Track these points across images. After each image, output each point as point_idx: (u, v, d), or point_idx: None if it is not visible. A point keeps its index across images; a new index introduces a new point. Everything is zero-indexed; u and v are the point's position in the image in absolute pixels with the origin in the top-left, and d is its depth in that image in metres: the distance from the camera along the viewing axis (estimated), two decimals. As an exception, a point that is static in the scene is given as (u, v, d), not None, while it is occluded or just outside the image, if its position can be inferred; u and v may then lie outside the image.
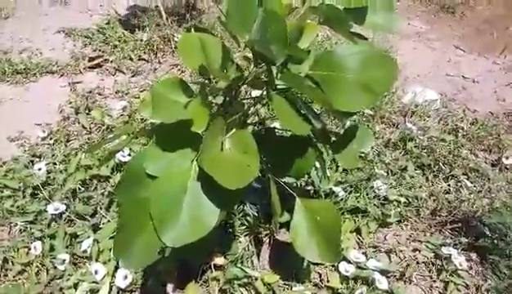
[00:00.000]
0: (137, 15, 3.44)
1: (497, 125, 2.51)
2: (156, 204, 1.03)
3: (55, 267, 1.63)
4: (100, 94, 2.74)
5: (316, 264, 1.68)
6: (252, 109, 1.38)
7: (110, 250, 1.67)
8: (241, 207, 1.77)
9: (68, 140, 2.32)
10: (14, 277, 1.65)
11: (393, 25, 1.19)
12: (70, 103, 2.62)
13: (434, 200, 1.98)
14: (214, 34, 1.16)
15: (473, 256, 1.78)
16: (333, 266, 1.68)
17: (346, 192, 1.92)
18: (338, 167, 2.05)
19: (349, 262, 1.65)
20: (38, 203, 1.86)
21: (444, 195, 2.00)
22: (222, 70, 1.10)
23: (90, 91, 2.73)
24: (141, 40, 3.19)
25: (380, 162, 2.15)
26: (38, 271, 1.65)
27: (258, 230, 1.76)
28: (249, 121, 1.38)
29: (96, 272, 1.58)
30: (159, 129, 1.11)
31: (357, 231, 1.85)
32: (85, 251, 1.68)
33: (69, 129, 2.41)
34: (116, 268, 1.60)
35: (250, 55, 1.15)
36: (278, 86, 1.14)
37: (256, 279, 1.61)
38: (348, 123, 2.17)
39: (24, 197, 1.90)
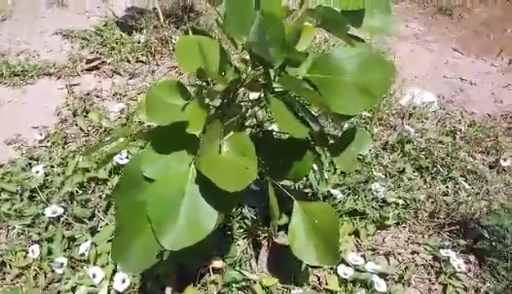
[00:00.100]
0: (135, 17, 3.43)
1: (495, 127, 2.52)
2: (154, 207, 1.03)
3: (53, 270, 1.62)
4: (97, 96, 2.73)
5: (315, 267, 1.68)
6: (250, 111, 1.38)
7: (108, 253, 1.67)
8: (239, 209, 1.77)
9: (65, 143, 2.31)
10: (12, 280, 1.64)
11: (390, 28, 1.19)
12: (68, 105, 2.61)
13: (432, 202, 1.98)
14: (212, 36, 1.16)
15: (472, 258, 1.78)
16: (331, 269, 1.68)
17: (344, 194, 1.92)
18: (336, 169, 2.05)
19: (348, 265, 1.65)
20: (35, 206, 1.86)
21: (442, 197, 2.00)
22: (219, 73, 1.10)
23: (87, 94, 2.72)
24: (139, 42, 3.18)
25: (378, 165, 2.15)
26: (35, 275, 1.64)
27: (256, 233, 1.76)
28: (246, 123, 1.38)
29: (94, 275, 1.58)
30: (156, 132, 1.11)
31: (356, 234, 1.85)
32: (83, 255, 1.67)
33: (66, 131, 2.40)
34: (114, 271, 1.60)
35: (248, 57, 1.15)
36: (276, 89, 1.14)
37: (254, 282, 1.61)
38: (345, 126, 2.18)
39: (21, 200, 1.89)
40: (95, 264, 1.65)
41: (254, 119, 1.65)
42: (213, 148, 1.04)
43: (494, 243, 1.74)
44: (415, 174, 2.15)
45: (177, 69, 3.02)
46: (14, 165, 2.10)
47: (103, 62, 3.04)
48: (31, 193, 1.92)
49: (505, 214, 1.83)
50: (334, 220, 1.27)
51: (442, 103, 2.75)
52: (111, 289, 1.57)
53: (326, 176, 1.97)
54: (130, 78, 2.93)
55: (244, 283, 1.61)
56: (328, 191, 1.91)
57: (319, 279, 1.67)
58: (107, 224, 1.80)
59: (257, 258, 1.71)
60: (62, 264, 1.62)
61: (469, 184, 2.10)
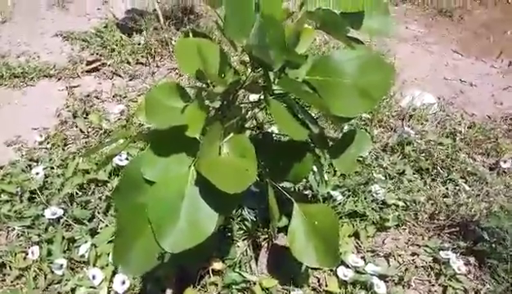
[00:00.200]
0: (135, 19, 3.43)
1: (495, 129, 2.52)
2: (154, 210, 1.03)
3: (52, 272, 1.62)
4: (97, 98, 2.73)
5: (315, 268, 1.68)
6: (250, 113, 1.38)
7: (108, 255, 1.67)
8: (239, 211, 1.77)
9: (65, 144, 2.32)
10: (12, 282, 1.64)
11: (389, 29, 1.19)
12: (68, 107, 2.61)
13: (432, 204, 1.98)
14: (212, 38, 1.16)
15: (472, 260, 1.78)
16: (331, 271, 1.68)
17: (344, 196, 1.92)
18: (336, 171, 2.05)
19: (347, 267, 1.65)
20: (35, 208, 1.86)
21: (442, 199, 2.00)
22: (219, 75, 1.10)
23: (88, 95, 2.72)
24: (139, 44, 3.18)
25: (378, 166, 2.15)
26: (35, 276, 1.64)
27: (256, 235, 1.76)
28: (246, 125, 1.38)
29: (93, 277, 1.58)
30: (155, 134, 1.11)
31: (356, 235, 1.85)
32: (83, 256, 1.67)
33: (66, 133, 2.41)
34: (114, 273, 1.60)
35: (248, 59, 1.15)
36: (276, 91, 1.14)
37: (254, 284, 1.61)
38: (345, 127, 2.18)
39: (21, 201, 1.89)
40: (95, 265, 1.65)
41: (254, 121, 1.65)
42: (212, 150, 1.04)
43: (494, 245, 1.74)
44: (415, 176, 2.15)
45: (177, 71, 3.02)
46: (14, 166, 2.11)
47: (103, 64, 3.04)
48: (31, 194, 1.92)
49: (505, 216, 1.83)
50: (334, 222, 1.27)
51: (442, 104, 2.75)
52: (111, 290, 1.57)
53: (326, 178, 1.97)
54: (130, 80, 2.93)
55: (243, 285, 1.61)
56: (328, 193, 1.91)
57: (319, 281, 1.67)
58: (107, 225, 1.80)
59: (257, 260, 1.71)
60: (62, 265, 1.62)
61: (469, 186, 2.10)
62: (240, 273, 1.63)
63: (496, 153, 2.36)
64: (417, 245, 1.83)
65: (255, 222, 1.75)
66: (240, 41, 1.03)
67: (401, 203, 1.94)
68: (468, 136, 2.43)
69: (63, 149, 2.26)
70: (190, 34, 1.18)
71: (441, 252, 1.71)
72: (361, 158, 2.15)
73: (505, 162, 2.22)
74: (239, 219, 1.77)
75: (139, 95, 2.74)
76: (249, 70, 1.15)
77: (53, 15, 3.77)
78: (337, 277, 1.63)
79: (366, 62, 1.10)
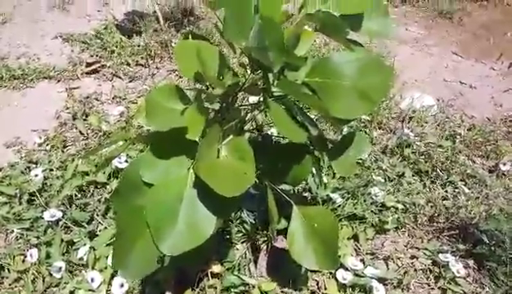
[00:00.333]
0: (135, 21, 3.44)
1: (494, 131, 2.52)
2: (152, 212, 1.02)
3: (51, 275, 1.62)
4: (97, 99, 2.73)
5: (314, 271, 1.67)
6: (249, 115, 1.38)
7: (107, 257, 1.67)
8: (238, 214, 1.77)
9: (65, 146, 2.32)
10: (10, 285, 1.64)
11: (388, 31, 1.19)
12: (67, 108, 2.61)
13: (432, 206, 1.98)
14: (212, 40, 1.16)
15: (471, 263, 1.77)
16: (330, 274, 1.67)
17: (343, 198, 1.92)
18: (335, 173, 2.04)
19: (347, 269, 1.65)
20: (34, 210, 1.86)
21: (441, 202, 2.00)
22: (218, 77, 1.10)
23: (87, 97, 2.72)
24: (139, 45, 3.19)
25: (378, 169, 2.15)
26: (34, 279, 1.64)
27: (255, 237, 1.75)
28: (246, 127, 1.38)
29: (92, 280, 1.57)
30: (154, 136, 1.10)
31: (355, 238, 1.85)
32: (81, 259, 1.67)
33: (65, 135, 2.40)
34: (113, 276, 1.60)
35: (247, 61, 1.15)
36: (275, 93, 1.14)
37: (253, 287, 1.60)
38: (345, 130, 2.18)
39: (20, 203, 1.89)
40: (93, 268, 1.65)
41: (254, 123, 1.65)
42: (211, 152, 1.03)
43: (493, 248, 1.74)
44: (415, 178, 2.14)
45: (176, 73, 3.02)
46: (13, 168, 2.11)
47: (103, 65, 3.04)
48: (30, 196, 1.92)
49: (505, 219, 1.83)
50: (334, 225, 1.26)
51: (441, 106, 2.75)
52: (110, 293, 1.57)
53: (325, 180, 1.97)
54: (130, 82, 2.93)
55: (242, 288, 1.60)
56: (327, 195, 1.91)
57: (318, 284, 1.67)
58: (106, 228, 1.80)
59: (256, 262, 1.71)
60: (60, 268, 1.62)
61: (469, 189, 2.10)
62: (238, 276, 1.63)
63: (495, 155, 2.36)
64: (416, 248, 1.83)
65: (254, 225, 1.75)
66: (239, 43, 1.03)
67: (400, 206, 1.94)
68: (467, 139, 2.42)
69: (62, 151, 2.26)
70: (190, 37, 1.18)
71: (440, 255, 1.71)
72: (360, 161, 2.15)
73: (504, 164, 2.21)
74: (238, 221, 1.77)
75: (139, 97, 2.74)
76: (249, 72, 1.14)
77: (53, 16, 3.77)
78: (336, 280, 1.63)
79: (365, 64, 1.10)
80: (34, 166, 2.11)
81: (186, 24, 3.52)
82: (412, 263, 1.77)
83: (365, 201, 1.92)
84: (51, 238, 1.73)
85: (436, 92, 2.91)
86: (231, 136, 1.10)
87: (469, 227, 1.86)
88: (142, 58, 3.12)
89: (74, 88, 2.84)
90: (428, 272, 1.74)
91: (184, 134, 0.99)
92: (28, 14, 3.78)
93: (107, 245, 1.71)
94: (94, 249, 1.70)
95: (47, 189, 1.96)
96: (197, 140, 1.02)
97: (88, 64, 3.03)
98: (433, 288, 1.69)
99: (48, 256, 1.69)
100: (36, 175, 1.95)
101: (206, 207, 1.03)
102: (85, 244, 1.71)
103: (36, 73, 2.93)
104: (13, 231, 1.80)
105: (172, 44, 3.20)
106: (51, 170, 2.06)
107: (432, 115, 2.63)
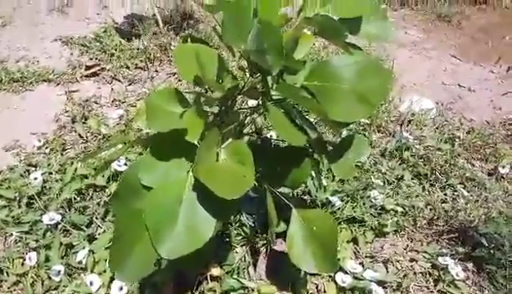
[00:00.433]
0: (134, 24, 3.44)
1: (493, 134, 2.52)
2: (151, 215, 1.02)
3: (50, 278, 1.62)
4: (96, 102, 2.73)
5: (313, 274, 1.67)
6: (248, 118, 1.38)
7: (106, 261, 1.66)
8: (238, 217, 1.76)
9: (64, 149, 2.31)
10: (9, 288, 1.63)
11: (387, 34, 1.19)
12: (67, 112, 2.61)
13: (431, 210, 1.98)
14: (211, 43, 1.16)
15: (470, 266, 1.77)
16: (330, 277, 1.67)
17: (343, 201, 1.92)
18: (334, 176, 2.04)
19: (346, 272, 1.65)
20: (33, 213, 1.85)
21: (441, 205, 2.00)
22: (217, 80, 1.10)
23: (86, 100, 2.73)
24: (138, 48, 3.19)
25: (377, 172, 2.15)
26: (33, 282, 1.63)
27: (254, 240, 1.75)
28: (245, 130, 1.38)
29: (91, 283, 1.57)
30: (154, 139, 1.11)
31: (354, 241, 1.85)
32: (80, 262, 1.67)
33: (65, 138, 2.40)
34: (112, 279, 1.59)
35: (246, 64, 1.15)
36: (274, 97, 1.14)
37: (252, 290, 1.60)
38: (344, 133, 2.18)
39: (19, 207, 1.89)
40: (92, 271, 1.65)
41: (253, 126, 1.65)
42: (210, 155, 1.04)
43: (492, 251, 1.74)
44: (414, 181, 2.14)
45: (176, 76, 3.02)
46: (12, 171, 2.10)
47: (102, 68, 3.04)
48: (29, 199, 1.91)
49: (504, 221, 1.83)
50: (333, 228, 1.26)
51: (440, 110, 2.76)
52: (109, 297, 1.57)
53: (325, 183, 1.97)
54: (129, 85, 2.93)
55: (242, 291, 1.60)
56: (326, 198, 1.91)
57: (317, 287, 1.67)
58: (105, 231, 1.80)
59: (255, 265, 1.71)
60: (59, 271, 1.61)
61: (468, 192, 2.10)
62: (238, 280, 1.62)
63: (494, 158, 2.36)
64: (416, 251, 1.83)
65: (253, 228, 1.75)
66: (238, 46, 1.03)
67: (399, 209, 1.94)
68: (466, 142, 2.43)
69: (61, 154, 2.26)
70: (189, 40, 1.19)
71: (439, 258, 1.71)
72: (359, 164, 2.15)
73: (503, 167, 2.22)
74: (237, 224, 1.77)
75: (138, 100, 2.74)
76: (248, 76, 1.15)
77: (52, 19, 3.77)
78: (335, 283, 1.62)
79: (364, 67, 1.10)
80: (33, 169, 2.11)
81: (186, 27, 3.52)
82: (411, 266, 1.77)
83: (364, 204, 1.92)
84: (51, 242, 1.73)
85: (435, 95, 2.92)
86: (231, 140, 1.10)
87: (468, 230, 1.86)
88: (142, 61, 3.12)
89: (74, 91, 2.84)
90: (427, 275, 1.74)
91: (183, 136, 0.99)
92: (27, 17, 3.78)
93: (106, 248, 1.71)
94: (93, 252, 1.70)
95: (46, 192, 1.95)
96: (196, 143, 1.02)
97: (88, 67, 3.03)
98: (432, 291, 1.69)
99: (47, 259, 1.69)
100: (35, 179, 1.95)
101: (205, 209, 1.03)
102: (84, 247, 1.71)
103: (35, 76, 2.93)
104: (12, 234, 1.80)
105: (172, 47, 3.21)
106: (51, 173, 2.06)
107: (431, 118, 2.64)
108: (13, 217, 1.84)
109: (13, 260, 1.69)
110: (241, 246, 1.75)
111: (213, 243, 1.68)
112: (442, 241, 1.87)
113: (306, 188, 1.96)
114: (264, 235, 1.76)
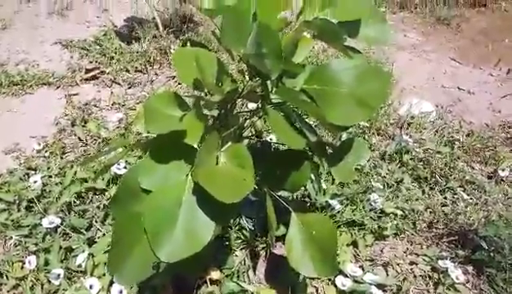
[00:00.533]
0: (134, 27, 3.45)
1: (493, 137, 2.52)
2: (150, 218, 1.02)
3: (49, 282, 1.61)
4: (96, 106, 2.73)
5: (313, 278, 1.67)
6: (248, 122, 1.38)
7: (105, 264, 1.66)
8: (237, 220, 1.76)
9: (63, 153, 2.31)
10: (8, 291, 1.63)
11: (386, 37, 1.19)
12: (66, 115, 2.61)
13: (431, 213, 1.98)
14: (210, 47, 1.16)
15: (470, 269, 1.77)
16: (329, 280, 1.67)
17: (342, 205, 1.92)
18: (334, 179, 2.04)
19: (346, 276, 1.64)
20: (33, 217, 1.85)
21: (440, 208, 2.00)
22: (217, 84, 1.10)
23: (86, 103, 2.73)
24: (138, 52, 3.19)
25: (376, 175, 2.15)
26: (32, 286, 1.63)
27: (254, 244, 1.75)
28: (245, 134, 1.38)
29: (90, 287, 1.57)
30: (153, 142, 1.11)
31: (354, 244, 1.84)
32: (80, 266, 1.66)
33: (64, 141, 2.40)
34: (111, 282, 1.59)
35: (245, 67, 1.15)
36: (273, 100, 1.14)
37: (252, 294, 1.60)
38: (344, 136, 2.18)
39: (19, 210, 1.89)
40: (92, 275, 1.64)
41: (253, 129, 1.65)
42: (210, 159, 1.04)
43: (492, 254, 1.74)
44: (414, 184, 2.14)
45: (175, 79, 3.02)
46: (12, 175, 2.10)
47: (102, 72, 3.05)
48: (28, 203, 1.91)
49: (504, 224, 1.83)
50: (332, 232, 1.26)
51: (440, 112, 2.76)
52: (108, 300, 1.56)
53: (324, 186, 1.97)
54: (129, 88, 2.93)
55: (241, 295, 1.60)
56: (326, 201, 1.91)
57: (317, 290, 1.67)
58: (104, 234, 1.79)
59: (254, 269, 1.71)
60: (59, 275, 1.61)
61: (468, 195, 2.10)
62: (237, 283, 1.62)
63: (494, 161, 2.36)
64: (415, 254, 1.83)
65: (253, 231, 1.75)
66: (237, 50, 1.03)
67: (399, 212, 1.94)
68: (466, 145, 2.43)
69: (61, 158, 2.26)
70: (188, 43, 1.19)
71: (439, 261, 1.71)
72: (359, 167, 2.15)
73: (503, 170, 2.22)
74: (237, 228, 1.77)
75: (138, 104, 2.74)
76: (247, 79, 1.15)
77: (52, 22, 3.78)
78: (335, 286, 1.62)
79: (363, 71, 1.10)
80: (33, 172, 2.10)
81: (185, 30, 3.53)
82: (411, 269, 1.77)
83: (364, 207, 1.92)
84: (50, 245, 1.73)
85: (434, 98, 2.92)
86: (230, 143, 1.10)
87: (468, 233, 1.86)
88: (141, 64, 3.13)
89: (73, 95, 2.84)
90: (427, 278, 1.74)
91: (183, 140, 0.99)
92: (27, 20, 3.79)
93: (106, 252, 1.70)
94: (93, 256, 1.69)
95: (45, 195, 1.95)
96: (196, 146, 1.02)
97: (87, 71, 3.03)
98: (432, 295, 1.69)
99: (47, 262, 1.68)
100: (35, 182, 1.95)
101: (205, 213, 1.03)
102: (84, 251, 1.70)
103: (35, 80, 2.93)
104: (12, 238, 1.79)
105: (172, 50, 3.21)
106: (50, 176, 2.06)
107: (430, 121, 2.64)
108: (13, 221, 1.84)
109: (12, 263, 1.69)
110: (241, 249, 1.75)
111: (213, 247, 1.67)
112: (442, 244, 1.87)
113: (306, 191, 1.96)
114: (264, 239, 1.76)
